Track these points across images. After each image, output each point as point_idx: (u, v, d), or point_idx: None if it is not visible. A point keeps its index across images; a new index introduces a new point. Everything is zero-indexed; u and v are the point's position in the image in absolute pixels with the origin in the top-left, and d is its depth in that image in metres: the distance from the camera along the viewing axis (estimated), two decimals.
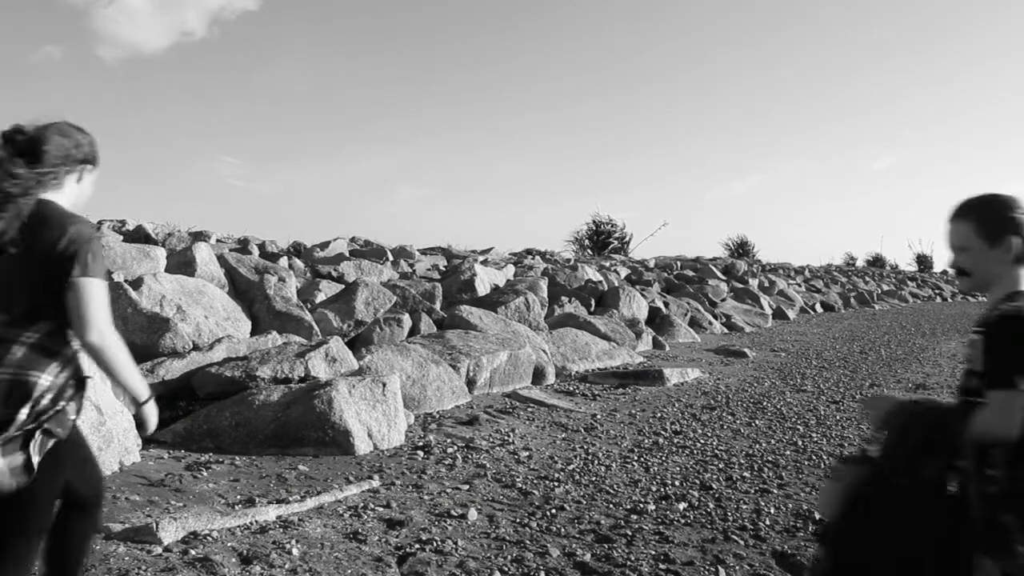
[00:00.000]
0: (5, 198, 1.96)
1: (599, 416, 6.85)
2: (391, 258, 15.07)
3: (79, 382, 2.08)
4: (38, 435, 1.93)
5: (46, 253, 1.97)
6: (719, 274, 23.30)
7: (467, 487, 4.60)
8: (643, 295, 14.94)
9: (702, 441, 6.01)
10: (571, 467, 5.12)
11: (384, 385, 5.70)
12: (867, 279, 37.26)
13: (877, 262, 49.78)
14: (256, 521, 3.81)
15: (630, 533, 3.89)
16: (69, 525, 2.29)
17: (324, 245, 15.30)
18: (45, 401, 1.94)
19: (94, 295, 1.99)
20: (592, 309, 13.47)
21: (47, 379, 1.94)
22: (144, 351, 6.35)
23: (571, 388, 8.21)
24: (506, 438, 5.82)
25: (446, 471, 4.92)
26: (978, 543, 1.77)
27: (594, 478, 4.88)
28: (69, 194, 2.16)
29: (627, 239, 35.21)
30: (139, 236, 11.77)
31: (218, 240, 13.87)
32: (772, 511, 4.30)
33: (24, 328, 1.96)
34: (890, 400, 2.05)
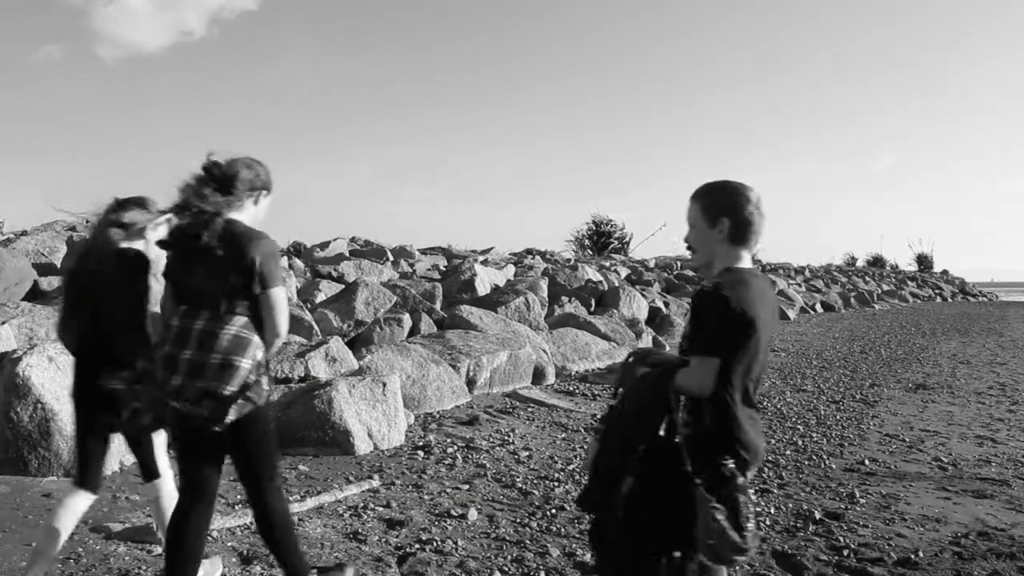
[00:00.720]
0: (201, 218, 2.49)
1: (599, 416, 6.85)
2: (391, 258, 15.07)
3: (266, 361, 2.58)
4: (240, 401, 2.46)
5: (239, 264, 2.48)
6: None
7: (467, 487, 4.60)
8: (643, 295, 14.94)
9: None
10: (571, 467, 5.12)
11: (384, 385, 5.70)
12: (867, 279, 37.26)
13: (877, 262, 49.78)
14: None
15: None
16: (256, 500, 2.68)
17: (324, 245, 15.31)
18: (247, 377, 2.46)
19: (278, 302, 2.54)
20: (592, 309, 13.47)
21: (247, 362, 2.46)
22: None
23: (571, 388, 8.20)
24: (506, 438, 5.82)
25: (446, 471, 4.91)
26: (695, 478, 2.01)
27: None
28: (249, 214, 2.64)
29: (627, 239, 35.21)
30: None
31: None
32: (772, 511, 4.30)
33: (225, 322, 2.47)
34: (624, 363, 2.27)
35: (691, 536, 2.00)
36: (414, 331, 8.95)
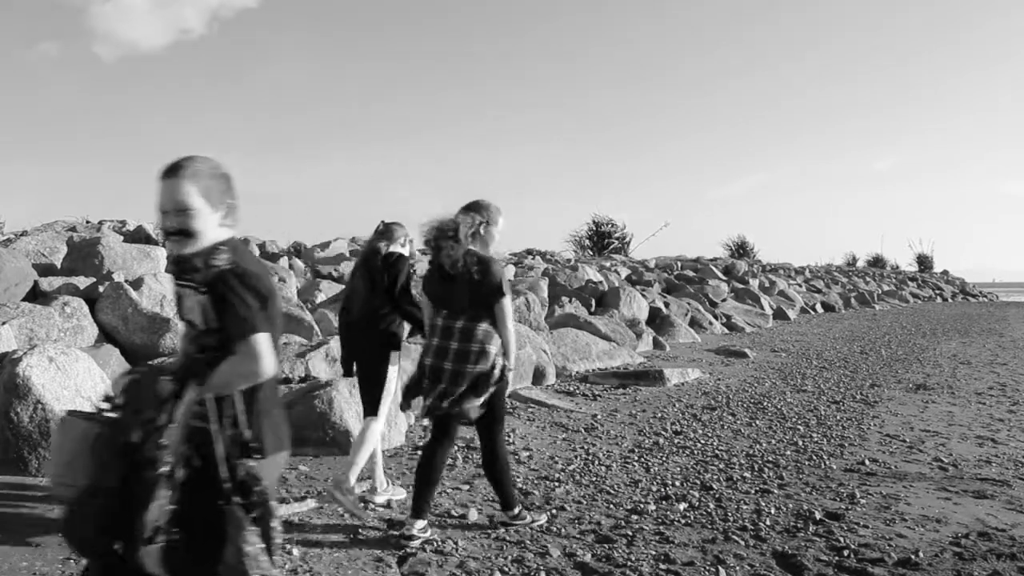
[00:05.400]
0: (455, 254, 3.55)
1: (599, 416, 6.85)
2: None
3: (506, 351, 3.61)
4: (495, 379, 3.55)
5: (482, 282, 3.54)
6: (719, 274, 23.29)
7: (467, 487, 4.60)
8: (643, 295, 14.94)
9: (703, 441, 6.01)
10: (571, 467, 5.12)
11: None
12: (867, 279, 37.24)
13: (878, 262, 49.76)
14: None
15: (630, 533, 3.89)
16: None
17: (324, 245, 15.29)
18: (496, 360, 3.54)
19: (506, 308, 3.57)
20: (592, 309, 13.47)
21: (494, 347, 3.55)
22: (145, 351, 6.34)
23: (571, 388, 8.20)
24: (506, 438, 5.82)
25: (446, 471, 4.91)
26: (230, 496, 1.89)
27: (594, 478, 4.88)
28: (482, 243, 3.67)
29: (627, 239, 35.20)
30: (140, 236, 11.75)
31: None
32: (773, 511, 4.30)
33: (479, 322, 3.56)
34: (127, 371, 2.11)
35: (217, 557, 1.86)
36: (414, 332, 8.93)
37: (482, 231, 3.65)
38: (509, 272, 15.09)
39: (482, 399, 3.53)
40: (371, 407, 4.12)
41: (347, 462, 4.05)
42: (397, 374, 4.18)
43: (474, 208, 3.67)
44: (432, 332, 3.67)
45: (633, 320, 12.90)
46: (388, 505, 4.22)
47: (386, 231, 4.29)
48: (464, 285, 3.55)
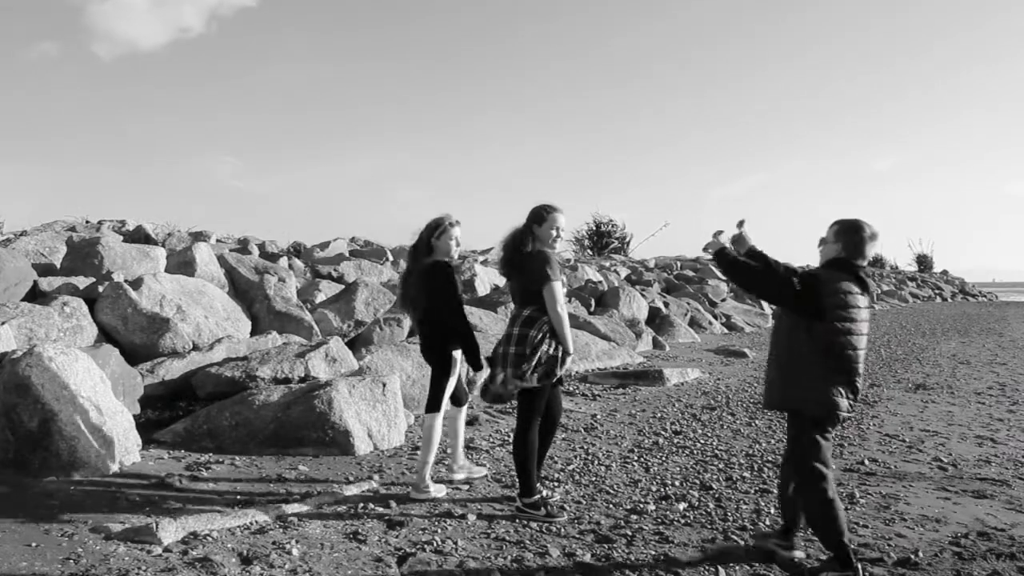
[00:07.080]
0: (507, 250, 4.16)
1: (599, 416, 6.85)
2: (391, 258, 15.05)
3: (552, 333, 3.97)
4: (535, 360, 3.92)
5: (526, 270, 4.01)
6: (719, 274, 23.29)
7: (467, 487, 4.59)
8: (643, 295, 14.94)
9: (702, 441, 6.01)
10: (571, 467, 5.12)
11: (384, 385, 5.69)
12: None
13: (877, 262, 49.73)
14: (256, 521, 3.81)
15: (630, 533, 3.89)
16: (544, 432, 4.22)
17: (324, 245, 15.29)
18: (536, 343, 3.93)
19: (554, 293, 3.94)
20: (592, 309, 13.47)
21: (535, 332, 3.94)
22: (144, 351, 6.34)
23: (571, 388, 8.20)
24: (506, 438, 5.82)
25: (446, 471, 4.91)
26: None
27: (594, 478, 4.88)
28: (539, 240, 4.08)
29: (627, 239, 35.18)
30: (139, 236, 11.75)
31: (218, 240, 13.84)
32: (772, 511, 4.30)
33: (525, 308, 4.03)
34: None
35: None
36: (414, 331, 8.93)
37: (535, 230, 4.07)
38: None
39: (522, 378, 3.92)
40: (432, 403, 4.33)
41: (419, 462, 4.38)
42: (455, 371, 4.36)
43: (530, 213, 4.12)
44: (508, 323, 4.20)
45: (633, 320, 12.90)
46: (467, 483, 4.58)
47: (428, 230, 4.37)
48: (517, 276, 4.08)
